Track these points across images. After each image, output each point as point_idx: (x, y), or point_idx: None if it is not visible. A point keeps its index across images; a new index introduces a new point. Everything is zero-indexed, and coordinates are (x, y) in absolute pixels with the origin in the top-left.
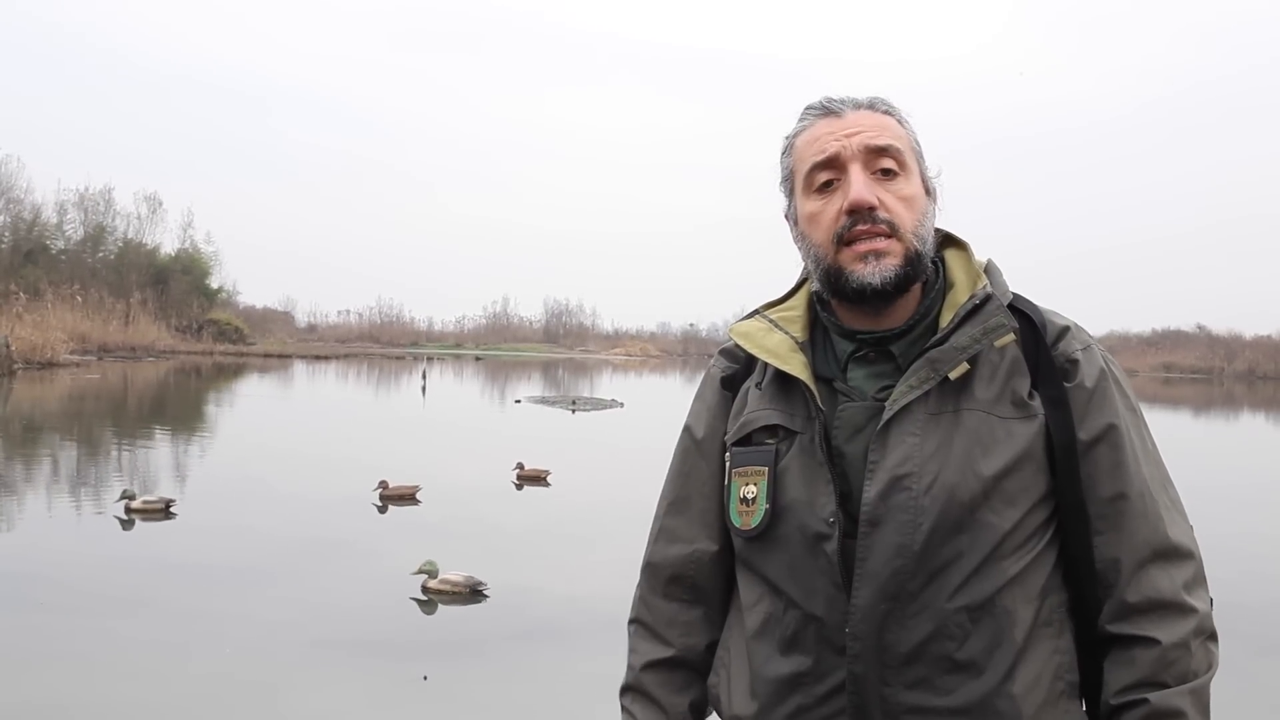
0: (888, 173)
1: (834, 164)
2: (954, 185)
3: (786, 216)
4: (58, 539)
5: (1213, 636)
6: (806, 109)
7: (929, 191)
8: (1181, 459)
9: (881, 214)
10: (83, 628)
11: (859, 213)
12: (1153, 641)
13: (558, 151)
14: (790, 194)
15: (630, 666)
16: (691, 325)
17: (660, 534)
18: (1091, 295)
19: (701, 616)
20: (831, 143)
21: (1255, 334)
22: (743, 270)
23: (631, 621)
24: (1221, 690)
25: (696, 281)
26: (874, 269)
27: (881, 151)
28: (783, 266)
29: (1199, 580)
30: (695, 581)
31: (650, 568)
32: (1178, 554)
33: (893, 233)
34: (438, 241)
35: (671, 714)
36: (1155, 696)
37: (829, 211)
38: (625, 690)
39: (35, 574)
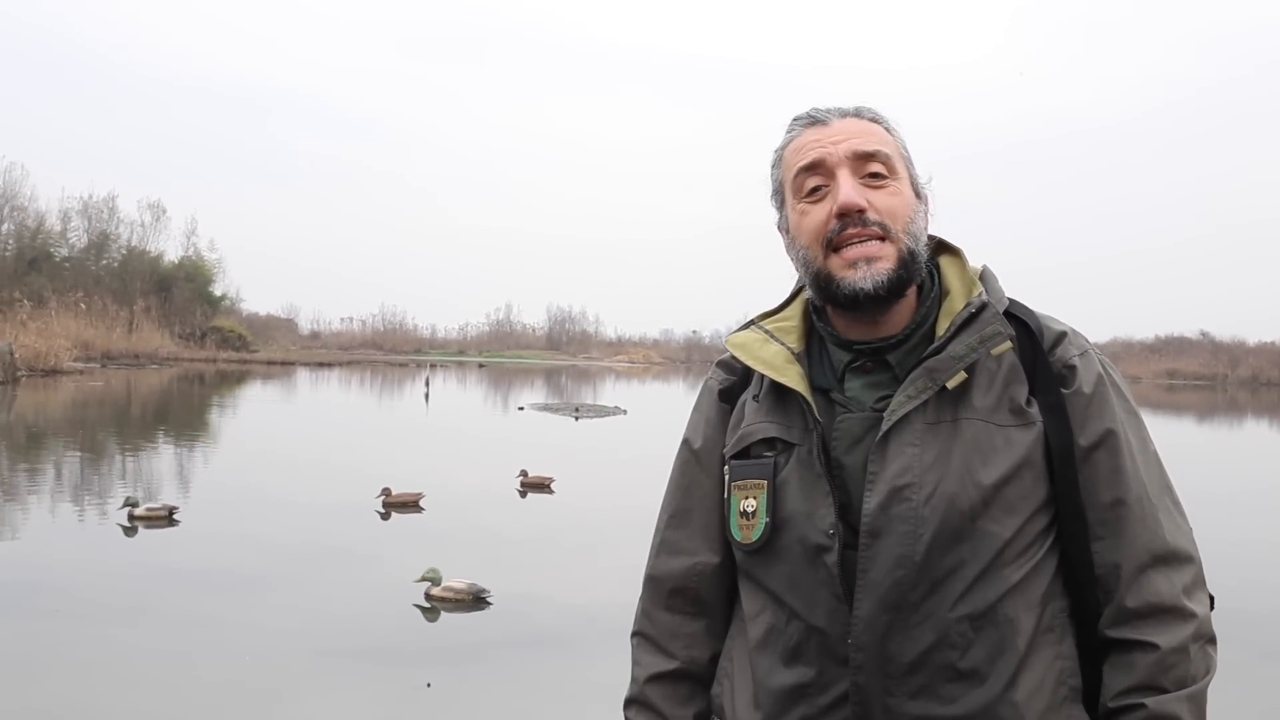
0: (876, 176)
1: (821, 169)
2: (955, 192)
3: (779, 228)
4: (61, 546)
5: (1211, 640)
6: (793, 120)
7: (919, 195)
8: (1184, 465)
9: (872, 216)
10: (86, 635)
11: (848, 216)
12: (1151, 646)
13: (561, 159)
14: (781, 205)
15: (634, 679)
16: (694, 332)
17: (661, 547)
18: (1094, 302)
19: (704, 629)
20: (818, 149)
21: (1259, 340)
22: (746, 277)
23: (634, 634)
24: (1223, 696)
25: (700, 288)
26: (865, 274)
27: (869, 156)
28: (786, 273)
29: (1198, 584)
30: (698, 594)
31: (652, 581)
32: (1176, 558)
33: (885, 234)
34: (441, 249)
35: None
36: (1153, 701)
37: (818, 215)
38: (629, 703)
39: (39, 581)
